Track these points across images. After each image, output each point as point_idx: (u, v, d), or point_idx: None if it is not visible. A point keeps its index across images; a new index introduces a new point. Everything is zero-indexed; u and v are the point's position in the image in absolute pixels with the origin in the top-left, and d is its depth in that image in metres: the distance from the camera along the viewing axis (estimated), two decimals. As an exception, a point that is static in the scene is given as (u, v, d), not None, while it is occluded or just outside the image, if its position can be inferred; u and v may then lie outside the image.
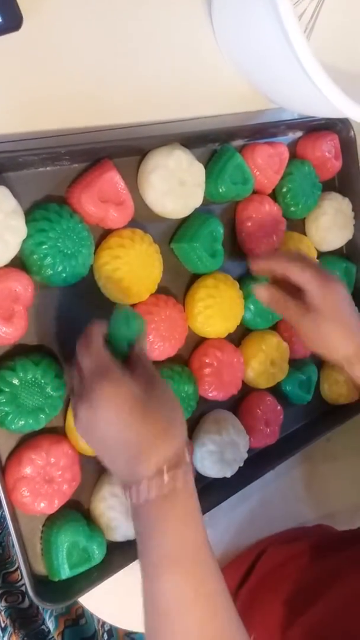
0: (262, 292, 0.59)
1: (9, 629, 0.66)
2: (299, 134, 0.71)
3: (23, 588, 0.69)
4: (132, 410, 0.39)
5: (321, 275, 0.56)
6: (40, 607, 0.66)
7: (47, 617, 0.66)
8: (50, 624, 0.66)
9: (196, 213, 0.60)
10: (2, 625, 0.67)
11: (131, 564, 0.55)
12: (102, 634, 0.63)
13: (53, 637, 0.66)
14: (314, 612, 0.52)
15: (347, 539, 0.70)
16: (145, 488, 0.38)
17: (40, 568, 0.52)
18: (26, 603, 0.70)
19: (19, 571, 0.71)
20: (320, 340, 0.57)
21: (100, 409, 0.39)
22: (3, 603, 0.69)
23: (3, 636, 0.66)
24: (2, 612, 0.68)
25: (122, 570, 0.55)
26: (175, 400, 0.43)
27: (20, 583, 0.71)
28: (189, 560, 0.39)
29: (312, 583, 0.52)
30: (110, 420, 0.39)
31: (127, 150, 0.55)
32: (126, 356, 0.45)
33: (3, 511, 0.49)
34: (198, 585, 0.38)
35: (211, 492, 0.64)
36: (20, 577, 0.70)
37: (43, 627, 0.67)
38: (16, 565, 0.71)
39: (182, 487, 0.39)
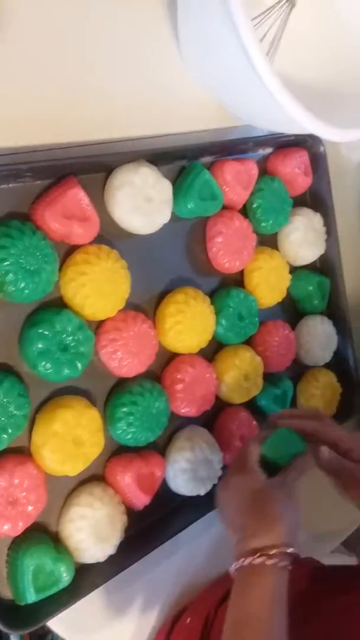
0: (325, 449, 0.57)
1: None
2: (268, 150, 0.72)
3: None
4: (247, 500, 0.48)
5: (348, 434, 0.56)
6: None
7: None
8: None
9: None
10: None
11: (101, 587, 0.54)
12: None
13: None
14: None
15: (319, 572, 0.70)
16: (242, 561, 0.45)
17: (7, 592, 0.51)
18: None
19: None
20: None
21: (228, 492, 0.50)
22: None
23: None
24: None
25: (93, 593, 0.53)
26: (294, 509, 0.47)
27: None
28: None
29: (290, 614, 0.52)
30: (229, 503, 0.50)
31: (93, 166, 0.55)
32: (277, 467, 0.51)
33: None
34: None
35: (185, 510, 0.63)
36: None
37: None
38: None
39: (270, 564, 0.44)
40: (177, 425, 0.64)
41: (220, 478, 0.64)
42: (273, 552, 0.44)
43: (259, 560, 0.44)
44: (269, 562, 0.43)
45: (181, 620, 0.61)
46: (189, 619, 0.61)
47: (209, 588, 0.66)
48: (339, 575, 0.64)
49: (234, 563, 0.46)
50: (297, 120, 0.53)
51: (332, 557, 0.92)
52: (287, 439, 0.52)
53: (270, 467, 0.50)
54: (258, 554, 0.44)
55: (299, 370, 0.78)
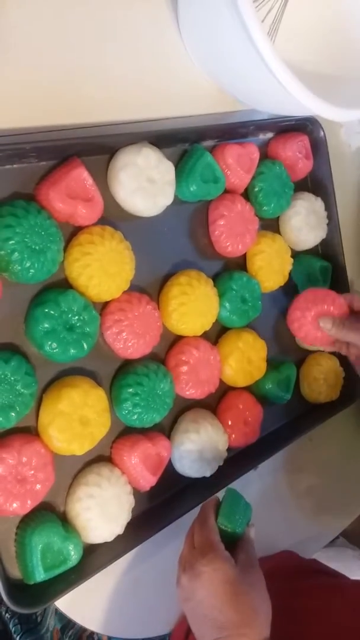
0: (325, 319, 0.62)
1: None
2: (269, 135, 0.72)
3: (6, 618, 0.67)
4: (225, 594, 0.45)
5: None
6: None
7: None
8: None
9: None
10: None
11: (109, 567, 0.54)
12: None
13: None
14: None
15: (303, 570, 0.70)
16: None
17: (15, 572, 0.51)
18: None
19: None
20: None
21: (199, 585, 0.46)
22: None
23: None
24: None
25: (100, 573, 0.54)
26: (265, 594, 0.47)
27: None
28: None
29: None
30: (204, 597, 0.46)
31: (96, 148, 0.55)
32: (234, 536, 0.51)
33: None
34: None
35: (191, 492, 0.63)
36: None
37: None
38: None
39: None
40: (181, 407, 0.64)
41: (225, 461, 0.64)
42: None
43: None
44: None
45: (190, 635, 0.62)
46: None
47: None
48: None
49: None
50: (299, 100, 0.53)
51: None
52: (236, 502, 0.53)
53: (228, 535, 0.51)
54: None
55: (302, 354, 0.78)
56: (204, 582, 0.46)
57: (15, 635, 0.64)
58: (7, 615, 0.66)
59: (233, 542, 0.51)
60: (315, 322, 0.65)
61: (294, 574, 0.69)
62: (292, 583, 0.65)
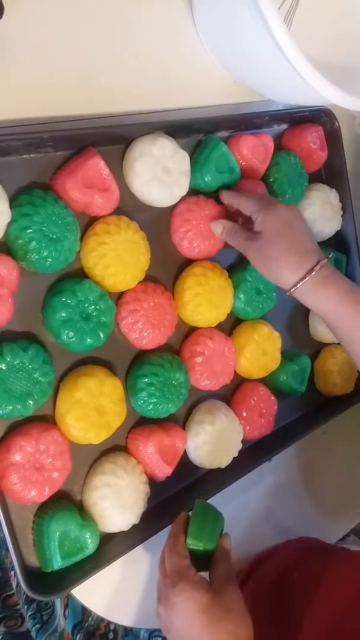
0: (216, 223, 0.59)
1: None
2: (283, 126, 0.72)
3: (22, 611, 0.68)
4: (201, 624, 0.44)
5: (265, 200, 0.56)
6: (34, 632, 0.65)
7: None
8: None
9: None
10: None
11: (124, 557, 0.55)
12: (107, 632, 0.62)
13: None
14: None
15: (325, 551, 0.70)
16: None
17: (33, 560, 0.51)
18: (24, 627, 0.69)
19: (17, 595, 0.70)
20: (268, 269, 0.55)
21: (174, 616, 0.45)
22: (2, 627, 0.68)
23: None
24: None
25: (115, 563, 0.54)
26: (242, 613, 0.46)
27: (19, 607, 0.70)
28: None
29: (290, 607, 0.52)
30: (180, 629, 0.45)
31: (112, 138, 0.55)
32: (207, 553, 0.49)
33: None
34: None
35: (206, 483, 0.63)
36: (19, 601, 0.69)
37: None
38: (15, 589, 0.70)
39: None
40: (195, 399, 0.64)
41: (239, 452, 0.64)
42: None
43: None
44: None
45: None
46: None
47: None
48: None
49: None
50: (317, 89, 0.53)
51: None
52: (204, 516, 0.51)
53: (200, 553, 0.49)
54: None
55: (316, 347, 0.78)
56: (178, 614, 0.45)
57: (32, 631, 0.65)
58: (25, 607, 0.67)
59: (208, 558, 0.49)
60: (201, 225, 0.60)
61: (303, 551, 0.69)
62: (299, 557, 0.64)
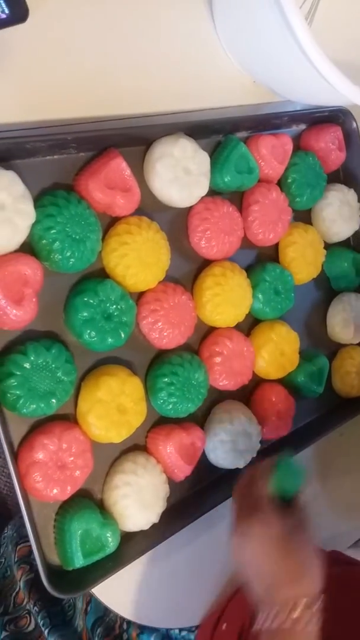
0: None
1: None
2: (302, 126, 0.72)
3: (29, 608, 0.68)
4: (275, 551, 0.46)
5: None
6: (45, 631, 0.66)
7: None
8: None
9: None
10: None
11: (144, 556, 0.55)
12: (122, 623, 0.62)
13: None
14: None
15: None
16: (270, 617, 0.43)
17: (54, 558, 0.52)
18: (32, 626, 0.70)
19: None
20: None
21: (249, 544, 0.47)
22: (12, 627, 0.68)
23: None
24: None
25: (136, 562, 0.54)
26: (315, 552, 0.47)
27: (24, 605, 0.70)
28: None
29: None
30: (254, 556, 0.47)
31: (133, 139, 0.55)
32: (285, 501, 0.50)
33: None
34: None
35: (225, 483, 0.63)
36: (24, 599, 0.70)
37: None
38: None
39: (300, 629, 0.42)
40: (214, 398, 0.64)
41: (259, 452, 0.64)
42: (302, 602, 0.43)
43: (289, 616, 0.43)
44: (301, 623, 0.42)
45: (218, 625, 0.62)
46: (224, 625, 0.61)
47: (242, 590, 0.66)
48: None
49: (260, 615, 0.44)
50: (338, 89, 0.53)
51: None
52: (288, 468, 0.52)
53: (279, 500, 0.50)
54: (290, 607, 0.43)
55: (334, 348, 0.78)
56: (253, 542, 0.47)
57: (44, 629, 0.65)
58: (35, 608, 0.67)
59: (284, 507, 0.50)
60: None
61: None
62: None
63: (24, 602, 0.69)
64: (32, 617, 0.69)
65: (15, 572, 0.71)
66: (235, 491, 0.52)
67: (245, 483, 0.52)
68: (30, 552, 0.70)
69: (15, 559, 0.71)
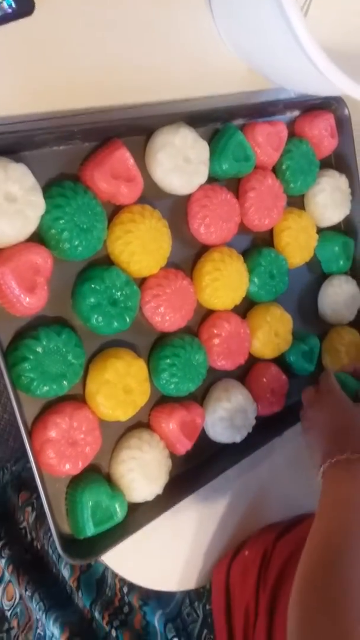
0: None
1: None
2: (296, 113, 0.74)
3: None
4: (344, 420, 0.59)
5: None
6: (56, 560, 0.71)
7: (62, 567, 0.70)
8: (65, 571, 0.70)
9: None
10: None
11: (151, 525, 0.59)
12: (122, 587, 0.66)
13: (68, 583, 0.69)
14: None
15: None
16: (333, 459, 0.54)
17: (66, 528, 0.55)
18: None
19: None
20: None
21: (322, 413, 0.61)
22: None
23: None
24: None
25: (141, 531, 0.58)
26: None
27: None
28: None
29: None
30: (325, 423, 0.60)
31: (135, 129, 0.57)
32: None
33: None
34: None
35: (222, 456, 0.67)
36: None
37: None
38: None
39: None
40: (212, 378, 0.68)
41: (254, 427, 0.68)
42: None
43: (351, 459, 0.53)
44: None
45: (240, 553, 0.66)
46: (247, 552, 0.65)
47: (267, 526, 0.70)
48: None
49: (320, 466, 0.54)
50: (332, 81, 0.55)
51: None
52: (346, 377, 0.66)
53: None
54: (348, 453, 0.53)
55: (324, 328, 0.81)
56: (330, 406, 0.60)
57: (40, 613, 0.69)
58: (27, 593, 0.71)
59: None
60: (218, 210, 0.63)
61: None
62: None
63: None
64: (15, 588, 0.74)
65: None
66: (304, 396, 0.65)
67: (313, 390, 0.64)
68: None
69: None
